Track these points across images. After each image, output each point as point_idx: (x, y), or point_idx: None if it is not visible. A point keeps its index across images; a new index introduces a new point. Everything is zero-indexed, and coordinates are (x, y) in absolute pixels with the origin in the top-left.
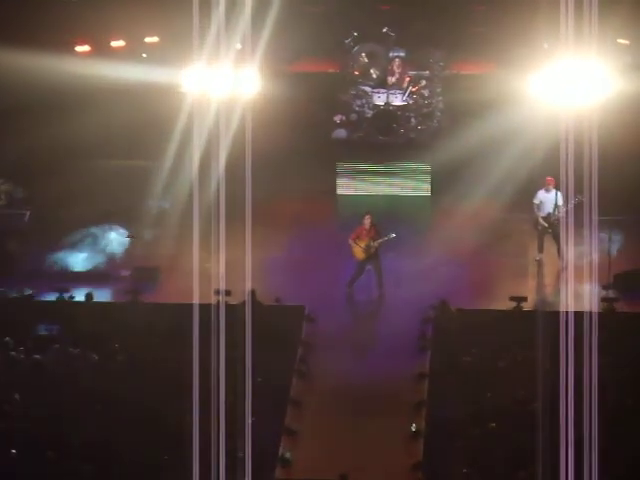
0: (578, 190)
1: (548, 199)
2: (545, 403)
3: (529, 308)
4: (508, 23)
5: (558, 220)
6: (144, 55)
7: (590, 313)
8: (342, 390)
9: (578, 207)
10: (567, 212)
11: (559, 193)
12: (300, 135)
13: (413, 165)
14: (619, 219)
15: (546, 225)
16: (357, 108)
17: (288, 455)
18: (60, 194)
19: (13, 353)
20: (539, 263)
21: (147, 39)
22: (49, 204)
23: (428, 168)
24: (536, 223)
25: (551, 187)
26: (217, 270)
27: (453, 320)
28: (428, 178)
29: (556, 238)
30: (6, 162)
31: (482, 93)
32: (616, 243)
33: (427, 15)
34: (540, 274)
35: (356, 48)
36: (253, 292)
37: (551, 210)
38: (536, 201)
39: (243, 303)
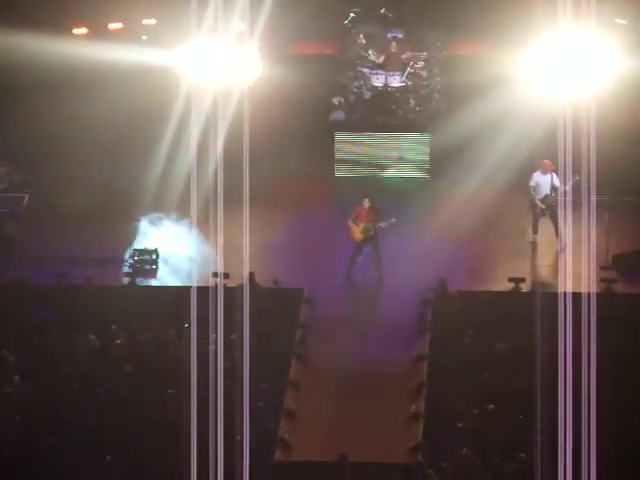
0: (576, 171)
1: (544, 181)
2: (543, 384)
3: (527, 289)
4: (506, 3)
5: (555, 202)
6: (144, 37)
7: (588, 294)
8: (341, 372)
9: (576, 188)
10: (565, 193)
11: (555, 175)
12: (298, 117)
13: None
14: (617, 200)
15: (543, 207)
16: (355, 90)
17: (287, 437)
18: (57, 177)
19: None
20: (533, 244)
21: (145, 21)
22: (48, 187)
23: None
24: (533, 205)
25: (547, 169)
26: (215, 253)
27: (452, 302)
28: (427, 161)
29: (553, 220)
30: (3, 145)
31: (480, 74)
32: (614, 224)
33: None
34: (534, 255)
35: (354, 30)
36: (252, 275)
37: (548, 192)
38: (532, 183)
39: (241, 286)
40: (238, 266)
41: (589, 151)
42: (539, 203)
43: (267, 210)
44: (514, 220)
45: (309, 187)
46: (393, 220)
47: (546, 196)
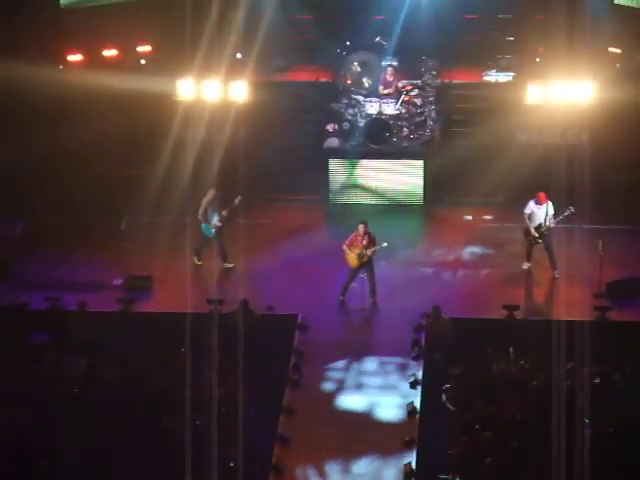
0: (569, 199)
1: (539, 209)
2: (537, 411)
3: (522, 316)
4: (500, 31)
5: (549, 230)
6: (142, 61)
7: (582, 322)
8: (335, 398)
9: (569, 218)
10: (559, 223)
11: (550, 204)
12: (293, 143)
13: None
14: (610, 228)
15: (536, 235)
16: (350, 117)
17: (280, 464)
18: (53, 203)
19: None
20: (527, 272)
21: (139, 48)
22: (43, 213)
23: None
24: (526, 233)
25: (542, 202)
26: (210, 279)
27: (446, 328)
28: (421, 187)
29: (548, 248)
30: None
31: (474, 102)
32: (607, 251)
33: (419, 24)
34: (529, 283)
35: (349, 57)
36: (246, 301)
37: (542, 221)
38: (527, 211)
39: (236, 312)
40: (232, 292)
41: (583, 179)
42: (533, 231)
43: (261, 236)
44: (509, 247)
45: (303, 213)
46: (385, 244)
47: (540, 225)
